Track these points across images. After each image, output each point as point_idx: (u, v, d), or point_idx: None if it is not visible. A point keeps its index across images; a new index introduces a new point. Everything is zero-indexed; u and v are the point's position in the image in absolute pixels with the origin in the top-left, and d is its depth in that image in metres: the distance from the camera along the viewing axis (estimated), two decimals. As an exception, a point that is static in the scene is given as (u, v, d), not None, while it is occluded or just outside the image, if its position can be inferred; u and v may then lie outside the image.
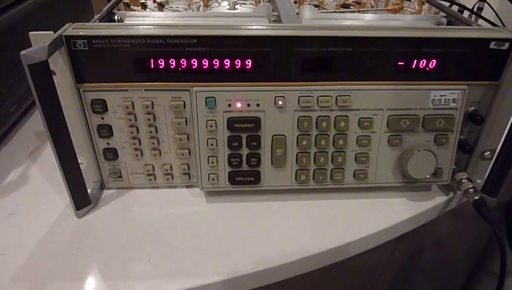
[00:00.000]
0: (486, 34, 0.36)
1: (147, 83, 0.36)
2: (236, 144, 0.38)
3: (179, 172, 0.42)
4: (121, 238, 0.37)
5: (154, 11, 0.46)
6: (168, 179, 0.42)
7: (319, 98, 0.37)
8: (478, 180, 0.43)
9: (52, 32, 0.33)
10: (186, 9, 0.48)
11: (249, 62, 0.36)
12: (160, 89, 0.37)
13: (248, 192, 0.41)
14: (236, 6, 0.48)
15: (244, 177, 0.39)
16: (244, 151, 0.39)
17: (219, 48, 0.35)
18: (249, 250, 0.36)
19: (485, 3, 0.71)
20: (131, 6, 0.45)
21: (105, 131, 0.38)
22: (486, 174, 0.42)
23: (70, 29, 0.34)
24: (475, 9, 0.70)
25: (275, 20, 0.44)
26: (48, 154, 0.48)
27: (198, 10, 0.47)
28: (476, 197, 0.39)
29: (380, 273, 0.60)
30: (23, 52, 0.30)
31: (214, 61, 0.35)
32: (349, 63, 0.36)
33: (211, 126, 0.37)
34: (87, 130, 0.38)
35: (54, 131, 0.34)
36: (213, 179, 0.39)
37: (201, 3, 0.48)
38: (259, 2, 0.49)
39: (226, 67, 0.36)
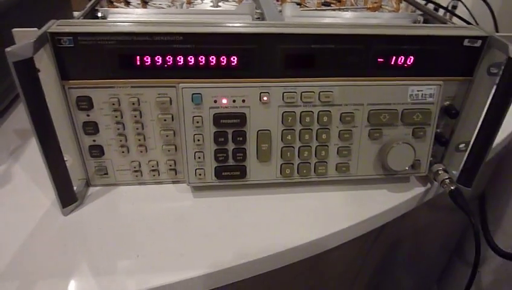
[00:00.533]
0: (460, 31, 0.38)
1: (133, 80, 0.36)
2: (223, 139, 0.39)
3: (165, 168, 0.42)
4: (108, 235, 0.37)
5: (137, 8, 0.46)
6: (154, 175, 0.42)
7: (303, 93, 0.38)
8: (453, 172, 0.45)
9: (36, 29, 0.33)
10: (169, 6, 0.48)
11: (234, 59, 0.36)
12: (147, 86, 0.37)
13: (234, 186, 0.42)
14: (220, 4, 0.49)
15: (230, 171, 0.40)
16: (230, 147, 0.39)
17: (205, 44, 0.35)
18: (236, 242, 0.37)
19: (459, 2, 0.74)
20: (114, 3, 0.45)
21: (91, 128, 0.38)
22: (461, 166, 0.44)
23: (55, 26, 0.34)
24: (449, 8, 0.73)
25: (258, 18, 0.45)
26: (30, 153, 0.47)
27: (182, 7, 0.47)
28: (452, 188, 0.42)
29: (361, 266, 0.62)
30: (8, 49, 0.29)
31: (199, 58, 0.36)
32: (331, 59, 0.38)
33: (198, 122, 0.38)
34: (72, 128, 0.38)
35: (40, 128, 0.33)
36: (200, 174, 0.40)
37: (185, 0, 0.48)
38: (242, 0, 0.49)
39: (211, 64, 0.36)
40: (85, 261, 0.34)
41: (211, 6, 0.49)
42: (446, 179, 0.42)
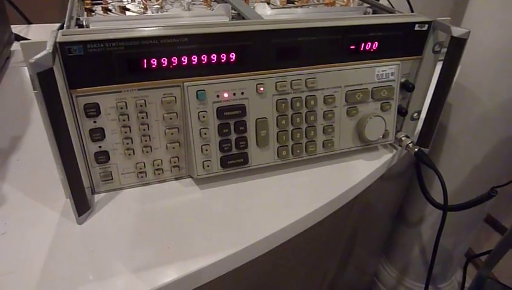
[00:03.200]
0: (411, 18, 0.46)
1: (140, 83, 0.38)
2: (226, 130, 0.42)
3: (168, 166, 0.44)
4: (131, 234, 0.38)
5: (117, 15, 0.47)
6: (158, 174, 0.44)
7: (292, 82, 0.43)
8: (411, 137, 0.53)
9: (44, 40, 0.33)
10: (144, 12, 0.49)
11: (232, 55, 0.40)
12: (153, 87, 0.39)
13: (235, 174, 0.46)
14: (190, 7, 0.52)
15: (234, 160, 0.44)
16: (233, 136, 0.43)
17: (207, 44, 0.38)
18: (251, 222, 0.40)
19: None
20: (92, 12, 0.45)
21: (98, 134, 0.39)
22: (419, 130, 0.52)
23: (60, 36, 0.34)
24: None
25: (234, 17, 0.49)
26: (16, 171, 0.46)
27: (157, 12, 0.49)
28: (416, 149, 0.50)
29: (338, 239, 0.69)
30: (31, 60, 0.30)
31: (202, 57, 0.39)
32: (314, 49, 0.43)
33: (203, 117, 0.41)
34: (78, 135, 0.39)
35: (59, 138, 0.34)
36: (207, 166, 0.43)
37: (158, 5, 0.50)
38: (210, 2, 0.52)
39: (213, 61, 0.39)
40: (118, 260, 0.36)
41: (183, 10, 0.51)
42: (409, 143, 0.50)
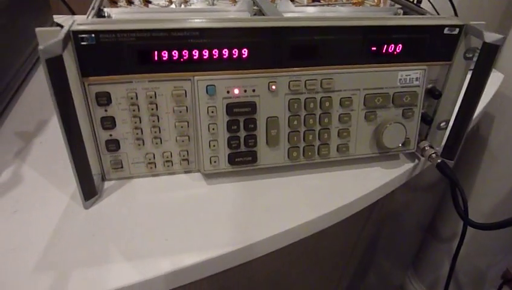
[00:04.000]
0: (441, 21, 0.43)
1: (151, 74, 0.38)
2: (235, 127, 0.42)
3: (178, 159, 0.44)
4: (133, 223, 0.39)
5: (140, 7, 0.47)
6: (168, 167, 0.44)
7: (307, 81, 0.42)
8: (436, 148, 0.50)
9: (58, 28, 0.34)
10: (168, 6, 0.50)
11: (245, 51, 0.39)
12: (163, 80, 0.39)
13: (244, 172, 0.45)
14: (215, 2, 0.52)
15: (242, 157, 0.43)
16: (242, 134, 0.42)
17: (219, 39, 0.38)
18: (254, 222, 0.40)
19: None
20: (117, 3, 0.46)
21: (109, 122, 0.40)
22: (444, 141, 0.49)
23: (75, 25, 0.35)
24: (415, 1, 0.79)
25: (255, 14, 0.48)
26: (36, 153, 0.48)
27: (180, 6, 0.49)
28: (439, 161, 0.47)
29: (352, 248, 0.67)
30: (40, 47, 0.31)
31: (213, 52, 0.38)
32: (331, 49, 0.41)
33: (212, 112, 0.40)
34: (90, 123, 0.40)
35: (67, 124, 0.35)
36: (214, 162, 0.43)
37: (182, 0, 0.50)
38: (235, -2, 0.52)
39: (224, 56, 0.39)
40: (116, 247, 0.36)
41: (207, 4, 0.51)
42: (432, 153, 0.47)
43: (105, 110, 0.39)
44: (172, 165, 0.44)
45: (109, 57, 0.37)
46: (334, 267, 0.64)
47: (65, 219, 0.39)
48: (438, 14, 0.77)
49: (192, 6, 0.51)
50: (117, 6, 0.46)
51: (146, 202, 0.41)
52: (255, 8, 0.48)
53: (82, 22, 0.36)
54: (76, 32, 0.35)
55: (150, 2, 0.47)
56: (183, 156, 0.44)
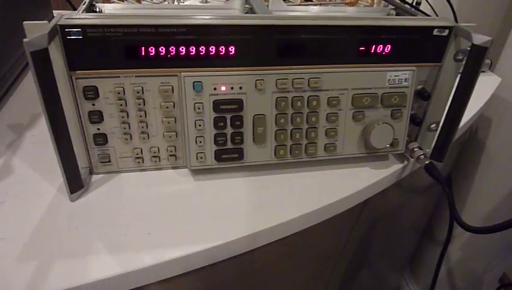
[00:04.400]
0: (430, 22, 0.43)
1: (138, 70, 0.39)
2: (222, 124, 0.42)
3: (165, 154, 0.45)
4: (117, 216, 0.39)
5: (132, 3, 0.48)
6: (155, 162, 0.45)
7: (294, 80, 0.42)
8: (426, 150, 0.50)
9: (46, 22, 0.35)
10: (161, 2, 0.50)
11: (232, 49, 0.39)
12: (150, 75, 0.39)
13: (231, 169, 0.45)
14: (208, 0, 0.52)
15: (229, 154, 0.43)
16: (229, 131, 0.42)
17: (206, 36, 0.38)
18: (238, 218, 0.40)
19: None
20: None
21: (96, 116, 0.40)
22: (434, 143, 0.49)
23: (63, 19, 0.36)
24: (414, 3, 0.79)
25: (247, 12, 0.48)
26: (28, 146, 0.48)
27: (173, 3, 0.50)
28: (427, 162, 0.47)
29: (344, 245, 0.67)
30: (25, 40, 0.31)
31: (200, 48, 0.39)
32: (319, 48, 0.41)
33: (199, 108, 0.41)
34: (77, 117, 0.40)
35: (52, 116, 0.35)
36: (201, 158, 0.43)
37: (175, -4, 0.50)
38: (228, -4, 0.52)
39: (211, 53, 0.39)
40: (99, 240, 0.37)
41: (200, 2, 0.51)
42: (421, 155, 0.47)
43: (93, 104, 0.40)
44: (159, 160, 0.45)
45: (96, 51, 0.37)
46: (323, 266, 0.64)
47: (51, 210, 0.39)
48: (437, 16, 0.77)
49: (186, 3, 0.51)
50: (110, 2, 0.47)
51: (132, 196, 0.42)
52: (247, 6, 0.48)
53: (70, 16, 0.36)
54: (63, 26, 0.35)
55: (142, -1, 0.48)
56: (171, 151, 0.44)
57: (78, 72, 0.38)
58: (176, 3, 0.50)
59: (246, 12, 0.48)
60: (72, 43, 0.36)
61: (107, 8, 0.45)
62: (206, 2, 0.51)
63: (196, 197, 0.42)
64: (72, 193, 0.40)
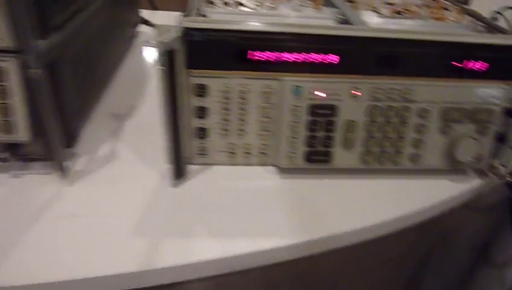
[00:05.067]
0: (527, 42, 0.43)
1: (245, 72, 0.42)
2: (315, 127, 0.44)
3: (256, 152, 0.48)
4: (216, 204, 0.43)
5: (233, 8, 0.51)
6: (247, 158, 0.48)
7: (388, 90, 0.44)
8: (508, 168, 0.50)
9: (170, 24, 0.39)
10: (256, 9, 0.53)
11: (332, 57, 0.42)
12: (256, 78, 0.43)
13: (316, 171, 0.48)
14: (301, 9, 0.55)
15: (318, 156, 0.46)
16: (321, 134, 0.45)
17: (310, 44, 0.41)
18: (320, 218, 0.42)
19: (499, 15, 0.79)
20: (214, 3, 0.51)
21: (202, 112, 0.44)
22: (516, 162, 0.49)
23: (186, 22, 0.40)
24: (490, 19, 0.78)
25: (340, 22, 0.51)
26: (129, 133, 0.53)
27: (269, 10, 0.53)
28: (508, 179, 0.47)
29: (402, 262, 0.67)
30: (164, 40, 0.35)
31: (303, 55, 0.42)
32: (414, 61, 0.43)
33: (295, 111, 0.43)
34: (185, 111, 0.44)
35: (170, 108, 0.39)
36: (292, 158, 0.46)
37: (272, 5, 0.54)
38: (318, 6, 0.55)
39: (313, 61, 0.42)
40: (201, 224, 0.40)
41: (292, 10, 0.54)
42: (503, 171, 0.48)
43: (201, 101, 0.44)
44: (250, 157, 0.48)
45: (212, 53, 0.41)
46: (383, 278, 0.65)
47: (155, 194, 0.43)
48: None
49: (279, 11, 0.54)
50: (212, 7, 0.50)
51: (227, 187, 0.45)
52: (339, 16, 0.51)
53: (191, 19, 0.40)
54: (188, 29, 0.39)
55: (242, 5, 0.51)
56: (262, 149, 0.47)
57: (193, 70, 0.42)
58: (266, 11, 0.54)
59: (340, 23, 0.51)
60: (192, 44, 0.40)
61: (210, 12, 0.49)
62: (299, 11, 0.54)
63: (280, 194, 0.45)
64: (175, 179, 0.44)
